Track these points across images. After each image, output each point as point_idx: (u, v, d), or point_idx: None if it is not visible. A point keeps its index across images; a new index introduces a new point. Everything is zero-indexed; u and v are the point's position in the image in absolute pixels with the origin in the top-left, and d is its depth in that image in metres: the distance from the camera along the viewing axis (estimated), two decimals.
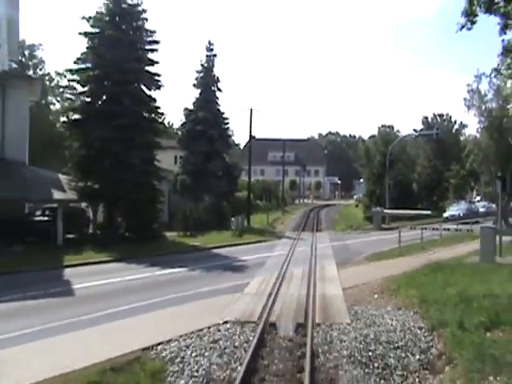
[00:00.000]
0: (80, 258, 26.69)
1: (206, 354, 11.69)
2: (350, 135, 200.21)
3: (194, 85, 52.29)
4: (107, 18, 35.20)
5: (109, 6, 35.21)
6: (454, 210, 66.35)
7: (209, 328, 13.61)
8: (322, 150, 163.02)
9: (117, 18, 35.18)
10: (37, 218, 35.07)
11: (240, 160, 59.91)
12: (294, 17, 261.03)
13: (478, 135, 73.48)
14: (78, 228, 34.89)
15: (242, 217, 46.04)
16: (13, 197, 30.54)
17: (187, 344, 12.31)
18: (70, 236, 33.26)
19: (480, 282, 17.70)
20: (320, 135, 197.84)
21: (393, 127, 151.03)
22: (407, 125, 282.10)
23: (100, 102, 34.55)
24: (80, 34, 34.92)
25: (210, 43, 53.90)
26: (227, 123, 53.61)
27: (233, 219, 42.98)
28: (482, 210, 68.98)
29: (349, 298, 17.49)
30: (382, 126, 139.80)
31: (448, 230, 36.12)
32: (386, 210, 54.66)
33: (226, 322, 14.21)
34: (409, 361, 11.64)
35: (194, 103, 52.15)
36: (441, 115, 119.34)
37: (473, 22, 17.23)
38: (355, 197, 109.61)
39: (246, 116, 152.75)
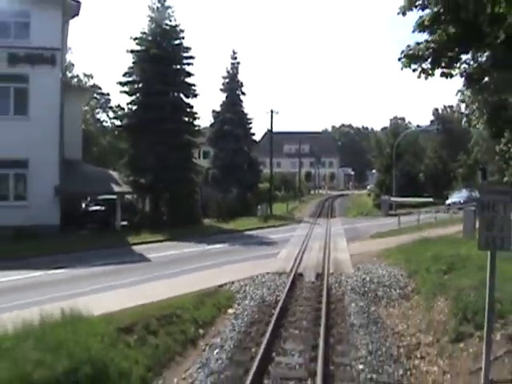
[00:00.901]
0: (139, 238, 32.82)
1: (259, 288, 17.96)
2: (363, 127, 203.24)
3: (221, 89, 58.91)
4: (150, 38, 41.41)
5: (151, 27, 41.46)
6: (455, 197, 71.32)
7: (257, 276, 19.90)
8: (335, 141, 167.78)
9: (158, 38, 41.37)
10: (92, 209, 41.25)
11: (257, 152, 65.22)
12: (306, 12, 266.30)
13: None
14: (129, 216, 41.04)
15: (266, 205, 52.41)
16: (81, 191, 36.82)
17: (245, 283, 18.61)
18: (124, 223, 39.40)
19: (452, 249, 23.43)
20: (333, 127, 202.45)
21: (404, 119, 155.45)
22: (419, 116, 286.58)
23: (145, 110, 40.64)
24: (127, 51, 41.28)
25: (233, 52, 60.85)
26: (250, 123, 60.11)
27: (259, 207, 49.60)
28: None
29: (354, 260, 23.75)
30: (394, 117, 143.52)
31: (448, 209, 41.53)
32: (392, 198, 60.51)
33: (268, 273, 20.45)
34: (392, 293, 17.76)
35: (221, 105, 58.66)
36: (451, 106, 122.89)
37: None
38: (368, 187, 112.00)
39: (262, 110, 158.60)
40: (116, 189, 37.32)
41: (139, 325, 12.59)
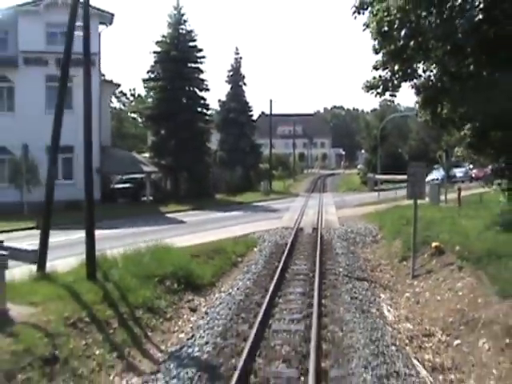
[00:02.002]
0: (168, 208, 39.84)
1: (273, 236, 25.35)
2: (354, 108, 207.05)
3: (226, 81, 65.99)
4: (169, 41, 48.28)
5: (170, 33, 48.38)
6: (434, 175, 78.37)
7: (269, 229, 27.38)
8: (327, 123, 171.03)
9: (175, 41, 48.26)
10: (121, 186, 48.17)
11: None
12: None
13: None
14: (153, 192, 48.04)
15: (266, 182, 59.79)
16: (115, 171, 43.81)
17: (262, 234, 26.07)
18: (149, 198, 46.44)
19: (393, 212, 30.72)
20: (325, 109, 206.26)
21: (393, 101, 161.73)
22: (410, 98, 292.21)
23: (166, 103, 47.47)
24: (150, 52, 48.25)
25: (236, 49, 68.17)
26: (251, 111, 67.34)
27: (262, 183, 57.18)
28: (459, 174, 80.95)
29: (340, 220, 31.23)
30: (383, 99, 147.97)
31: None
32: (377, 176, 67.49)
33: (277, 228, 27.77)
34: (366, 239, 25.03)
35: (226, 96, 65.77)
36: None
37: None
38: (358, 166, 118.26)
39: (257, 92, 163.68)
40: (145, 168, 44.32)
41: (202, 254, 19.77)
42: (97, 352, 10.64)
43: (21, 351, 9.27)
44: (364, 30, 17.28)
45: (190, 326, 13.10)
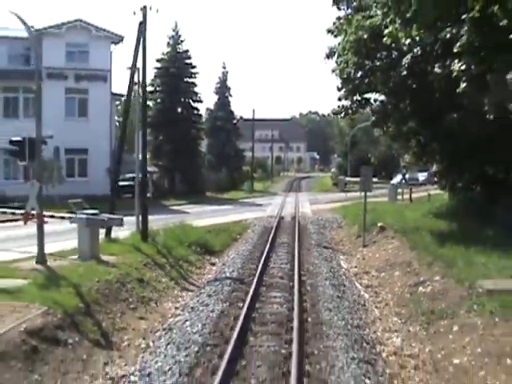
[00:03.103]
0: (170, 202, 46.39)
1: (261, 221, 32.27)
2: (329, 114, 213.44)
3: (214, 92, 73.01)
4: (167, 58, 55.00)
5: (169, 51, 55.12)
6: (398, 178, 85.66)
7: (257, 217, 34.21)
8: (303, 128, 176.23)
9: (173, 59, 54.95)
10: (124, 183, 54.44)
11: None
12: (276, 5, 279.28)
13: None
14: (152, 189, 54.48)
15: (249, 182, 66.87)
16: (125, 171, 50.13)
17: (253, 220, 33.04)
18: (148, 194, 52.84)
19: (374, 206, 37.64)
20: (301, 114, 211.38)
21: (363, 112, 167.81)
22: None
23: (165, 112, 54.08)
24: (152, 68, 55.01)
25: (223, 63, 75.92)
26: (237, 119, 74.19)
27: (245, 183, 64.26)
28: (422, 178, 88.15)
29: (313, 212, 38.36)
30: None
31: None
32: (347, 178, 74.63)
33: (263, 216, 34.67)
34: (332, 225, 32.04)
35: (214, 105, 72.75)
36: None
37: None
38: (332, 170, 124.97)
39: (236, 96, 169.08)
40: (148, 169, 50.82)
41: (213, 230, 26.56)
42: (163, 280, 17.31)
43: (124, 274, 15.86)
44: (331, 73, 24.22)
45: (214, 270, 19.89)
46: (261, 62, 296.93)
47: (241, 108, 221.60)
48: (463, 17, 12.12)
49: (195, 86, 56.35)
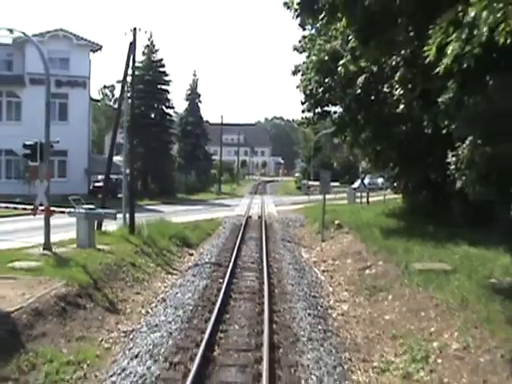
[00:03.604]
0: (143, 202, 48.80)
1: (231, 219, 35.27)
2: (293, 120, 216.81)
3: (185, 98, 76.04)
4: (143, 66, 57.64)
5: (144, 60, 57.81)
6: (359, 183, 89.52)
7: (228, 216, 37.16)
8: (267, 133, 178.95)
9: (148, 67, 57.65)
10: (99, 184, 56.95)
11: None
12: (244, 14, 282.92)
13: None
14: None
15: (217, 185, 69.97)
16: (99, 172, 52.62)
17: (223, 218, 35.98)
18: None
19: (334, 207, 40.94)
20: (266, 119, 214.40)
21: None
22: None
23: (139, 117, 56.60)
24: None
25: (194, 71, 79.05)
26: (205, 124, 77.19)
27: (214, 186, 67.32)
28: (379, 180, 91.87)
29: (278, 212, 41.50)
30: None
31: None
32: (309, 182, 78.15)
33: (233, 215, 37.65)
34: (295, 224, 35.19)
35: (184, 111, 75.58)
36: None
37: None
38: (296, 174, 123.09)
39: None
40: (121, 170, 53.48)
41: (188, 227, 29.42)
42: (151, 265, 20.14)
43: (119, 259, 18.65)
44: (296, 88, 27.37)
45: (192, 259, 22.78)
46: (227, 68, 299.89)
47: (208, 112, 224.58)
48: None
49: (168, 93, 59.21)
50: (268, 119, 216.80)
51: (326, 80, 25.37)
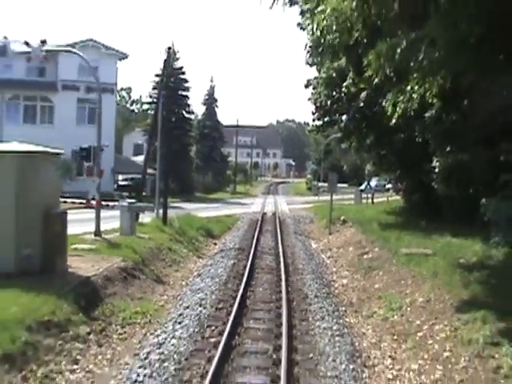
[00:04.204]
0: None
1: (249, 215, 38.89)
2: (305, 122, 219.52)
3: (203, 103, 79.76)
4: (165, 73, 61.27)
5: (166, 68, 61.43)
6: (365, 184, 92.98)
7: (245, 212, 40.75)
8: (279, 135, 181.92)
9: (169, 74, 61.30)
10: (123, 183, 60.69)
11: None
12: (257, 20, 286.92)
13: None
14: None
15: (233, 185, 73.80)
16: (125, 171, 56.49)
17: (241, 214, 39.59)
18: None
19: (342, 206, 44.38)
20: (278, 122, 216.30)
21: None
22: None
23: (164, 120, 60.37)
24: (151, 82, 61.32)
25: (211, 78, 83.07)
26: (227, 130, 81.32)
27: (230, 186, 71.11)
28: (388, 185, 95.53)
29: (290, 210, 45.12)
30: None
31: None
32: (320, 183, 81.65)
33: (249, 212, 41.26)
34: (306, 220, 38.83)
35: (202, 115, 79.43)
36: None
37: None
38: (307, 176, 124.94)
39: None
40: (149, 171, 57.30)
41: (211, 220, 33.05)
42: (184, 250, 23.75)
43: (158, 245, 22.26)
44: (308, 100, 30.94)
45: (217, 247, 26.36)
46: (241, 72, 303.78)
47: (221, 114, 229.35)
48: None
49: (188, 98, 63.02)
50: (280, 121, 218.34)
51: (334, 93, 28.83)
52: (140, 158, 62.54)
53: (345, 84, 19.52)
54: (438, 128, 15.53)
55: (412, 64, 10.47)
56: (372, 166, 40.36)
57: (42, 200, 14.42)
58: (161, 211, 28.60)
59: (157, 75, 61.84)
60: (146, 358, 9.98)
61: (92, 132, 52.30)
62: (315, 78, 30.67)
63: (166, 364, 9.58)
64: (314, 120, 31.59)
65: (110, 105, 54.03)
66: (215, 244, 27.62)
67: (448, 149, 16.22)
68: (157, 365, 9.54)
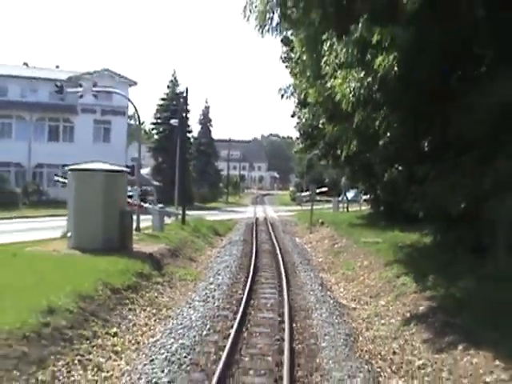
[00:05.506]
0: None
1: (244, 220, 46.54)
2: (288, 136, 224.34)
3: (198, 123, 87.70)
4: (167, 97, 69.05)
5: (168, 92, 69.28)
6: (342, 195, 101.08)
7: (241, 218, 48.49)
8: (264, 148, 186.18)
9: (172, 98, 69.04)
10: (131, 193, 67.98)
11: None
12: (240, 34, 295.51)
13: None
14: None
15: (225, 196, 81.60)
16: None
17: (238, 219, 47.23)
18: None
19: (321, 213, 51.96)
20: (262, 136, 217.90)
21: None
22: None
23: (165, 140, 68.10)
24: (157, 104, 69.09)
25: (206, 100, 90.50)
26: (216, 144, 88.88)
27: (223, 196, 78.82)
28: (364, 197, 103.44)
29: (278, 216, 52.90)
30: None
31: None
32: (302, 194, 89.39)
33: (244, 218, 48.93)
34: (291, 223, 46.64)
35: (198, 133, 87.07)
36: None
37: None
38: (291, 188, 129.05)
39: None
40: (153, 182, 64.82)
41: (216, 223, 40.64)
42: (201, 243, 31.25)
43: (184, 238, 29.77)
44: (293, 128, 38.62)
45: (225, 241, 33.80)
46: (225, 87, 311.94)
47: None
48: None
49: (188, 118, 70.40)
50: (264, 136, 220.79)
51: (314, 123, 36.47)
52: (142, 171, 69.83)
53: (320, 122, 27.02)
54: (384, 154, 22.87)
55: None
56: (346, 179, 48.09)
57: (118, 202, 21.81)
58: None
59: (162, 99, 69.58)
60: (202, 290, 17.48)
61: (106, 149, 60.21)
62: (300, 110, 38.36)
63: (216, 293, 17.02)
64: (298, 144, 39.26)
65: (122, 125, 61.73)
66: (222, 240, 35.07)
67: (387, 170, 23.91)
68: (210, 293, 17.00)
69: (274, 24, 14.71)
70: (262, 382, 9.07)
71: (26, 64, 67.55)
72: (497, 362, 9.03)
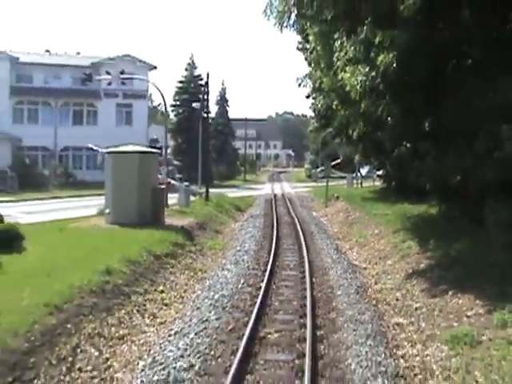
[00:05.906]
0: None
1: (263, 196, 48.87)
2: (303, 115, 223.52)
3: (215, 103, 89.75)
4: (186, 80, 71.09)
5: (187, 74, 71.29)
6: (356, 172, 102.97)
7: (259, 194, 50.81)
8: (278, 127, 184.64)
9: (190, 80, 71.07)
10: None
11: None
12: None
13: None
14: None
15: (243, 174, 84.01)
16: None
17: (256, 196, 49.56)
18: None
19: (336, 188, 54.03)
20: (277, 114, 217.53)
21: None
22: None
23: (184, 120, 70.28)
24: (176, 87, 71.13)
25: (223, 81, 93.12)
26: (231, 123, 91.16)
27: (241, 174, 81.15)
28: (378, 173, 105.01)
29: (294, 192, 55.04)
30: None
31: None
32: (318, 170, 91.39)
33: (263, 194, 51.23)
34: (308, 199, 48.89)
35: (215, 113, 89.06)
36: None
37: None
38: (306, 166, 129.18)
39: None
40: (174, 162, 67.12)
41: (236, 199, 42.93)
42: (224, 217, 33.54)
43: (208, 212, 32.07)
44: (309, 108, 40.64)
45: (246, 215, 36.03)
46: (243, 68, 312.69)
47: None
48: None
49: (206, 100, 72.49)
50: (279, 114, 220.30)
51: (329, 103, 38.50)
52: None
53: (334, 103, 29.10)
54: (391, 133, 24.89)
55: None
56: (359, 156, 50.06)
57: (151, 180, 24.04)
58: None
59: (180, 81, 71.64)
60: (232, 256, 19.78)
61: (128, 131, 62.56)
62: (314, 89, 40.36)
63: (245, 257, 19.31)
64: (313, 123, 41.27)
65: (142, 108, 63.97)
66: (243, 215, 37.29)
67: (396, 147, 26.08)
68: (240, 258, 19.27)
69: (292, 22, 16.98)
70: (290, 319, 11.35)
71: (48, 51, 69.62)
72: (477, 301, 11.21)
